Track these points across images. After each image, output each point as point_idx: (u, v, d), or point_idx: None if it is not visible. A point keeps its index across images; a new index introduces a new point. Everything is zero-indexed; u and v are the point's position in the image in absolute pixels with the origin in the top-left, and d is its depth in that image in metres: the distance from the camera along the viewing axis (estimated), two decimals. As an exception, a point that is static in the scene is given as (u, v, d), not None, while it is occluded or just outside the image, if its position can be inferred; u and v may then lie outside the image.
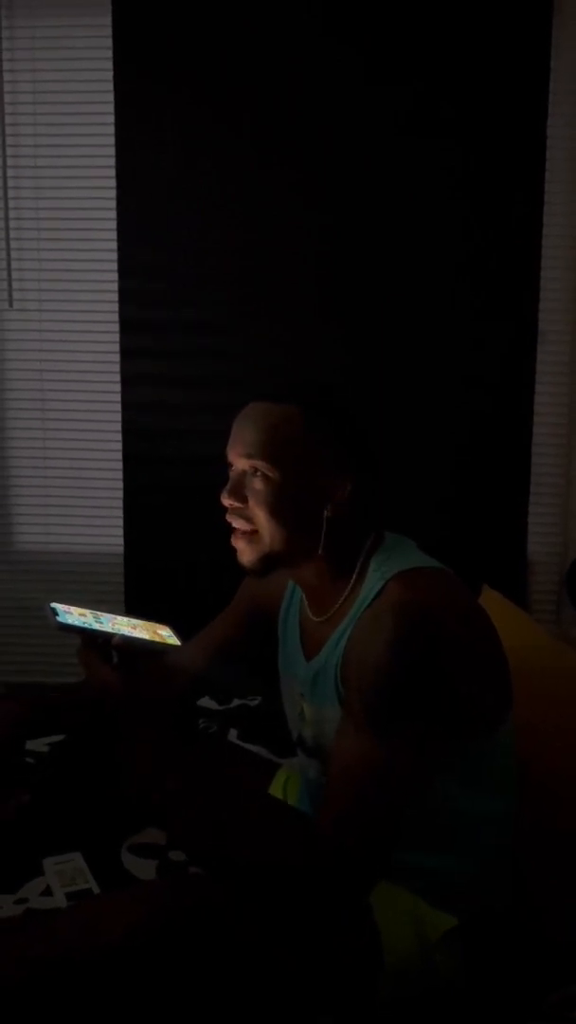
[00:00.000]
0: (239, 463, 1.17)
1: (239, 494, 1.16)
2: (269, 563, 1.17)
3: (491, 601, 1.73)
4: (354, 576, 1.17)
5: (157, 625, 1.13)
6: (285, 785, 1.42)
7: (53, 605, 1.08)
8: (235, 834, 1.09)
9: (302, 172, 2.18)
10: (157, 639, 1.11)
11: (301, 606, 1.29)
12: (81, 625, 1.08)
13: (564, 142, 2.15)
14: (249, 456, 1.15)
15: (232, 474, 1.18)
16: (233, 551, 1.20)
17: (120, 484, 2.34)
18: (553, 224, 2.18)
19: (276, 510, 1.14)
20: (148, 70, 2.18)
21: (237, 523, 1.17)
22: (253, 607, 1.40)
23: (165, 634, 1.13)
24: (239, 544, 1.18)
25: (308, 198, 2.19)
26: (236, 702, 2.00)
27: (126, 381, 2.29)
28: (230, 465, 1.19)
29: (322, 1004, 1.05)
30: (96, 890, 1.31)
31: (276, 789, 1.41)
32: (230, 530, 1.19)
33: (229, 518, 1.18)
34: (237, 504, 1.16)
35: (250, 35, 2.15)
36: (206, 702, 1.99)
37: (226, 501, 1.17)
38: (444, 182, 2.16)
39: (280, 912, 1.04)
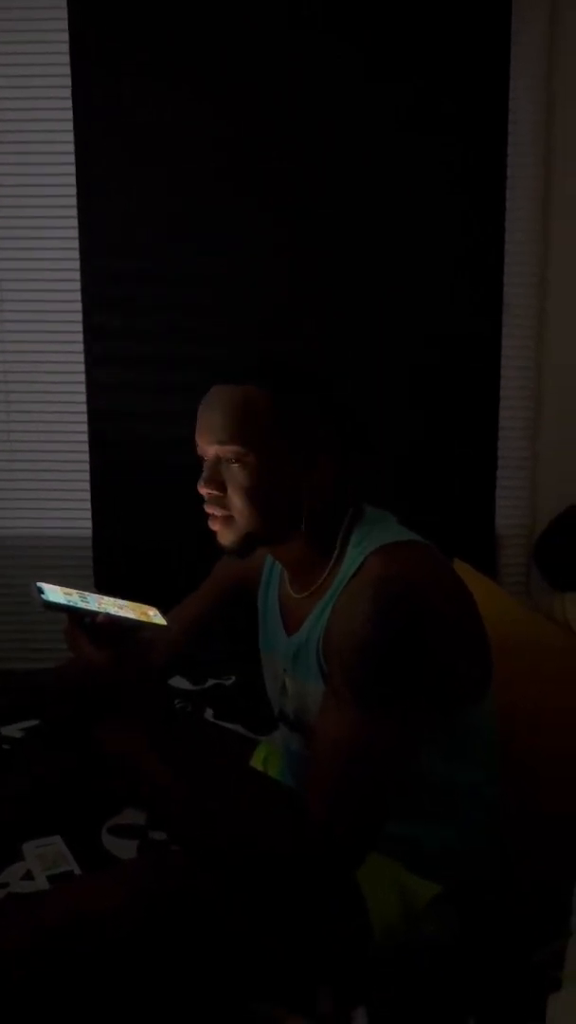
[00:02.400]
0: (211, 450, 1.15)
1: (216, 482, 1.14)
2: (249, 544, 1.17)
3: (464, 574, 1.73)
4: (335, 552, 1.17)
5: (145, 606, 1.12)
6: (265, 761, 1.43)
7: (39, 584, 1.07)
8: (225, 819, 1.09)
9: (278, 158, 2.15)
10: (144, 619, 1.10)
11: (281, 582, 1.29)
12: (67, 604, 1.07)
13: (527, 126, 2.15)
14: (221, 442, 1.13)
15: (206, 462, 1.16)
16: (204, 531, 1.19)
17: (87, 466, 2.31)
18: (516, 208, 2.18)
19: (255, 494, 1.13)
20: (106, 52, 2.13)
21: (216, 511, 1.16)
22: (232, 581, 1.40)
23: (152, 614, 1.12)
24: (216, 527, 1.17)
25: (280, 183, 2.16)
26: (211, 682, 2.00)
27: (91, 362, 2.26)
28: (200, 455, 1.17)
29: (317, 975, 1.06)
30: (78, 872, 1.30)
31: (256, 765, 1.41)
32: (206, 516, 1.18)
33: (208, 507, 1.17)
34: (216, 493, 1.14)
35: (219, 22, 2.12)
36: (180, 682, 1.98)
37: (204, 490, 1.15)
38: (418, 172, 2.15)
39: (267, 891, 1.05)
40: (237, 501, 1.14)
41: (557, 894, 1.11)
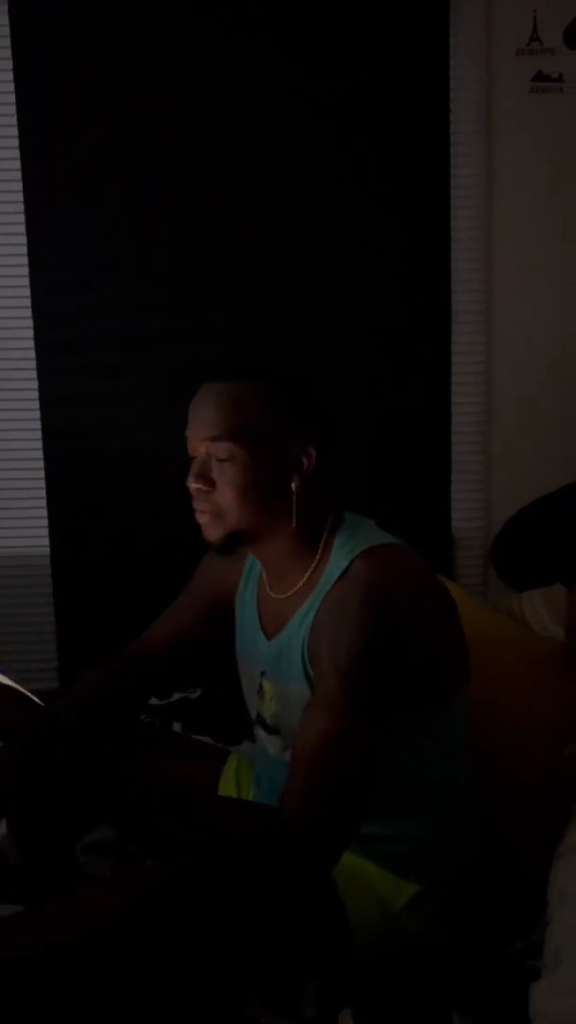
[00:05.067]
0: (202, 447, 1.16)
1: (206, 477, 1.15)
2: (236, 540, 1.17)
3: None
4: (318, 553, 1.18)
5: None
6: (237, 771, 1.42)
7: None
8: (203, 812, 1.08)
9: (219, 158, 2.17)
10: None
11: (260, 584, 1.29)
12: None
13: (468, 125, 2.20)
14: (214, 438, 1.14)
15: (196, 459, 1.17)
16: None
17: (42, 483, 2.28)
18: (460, 207, 2.23)
19: (244, 489, 1.14)
20: (49, 58, 2.13)
21: (204, 507, 1.16)
22: (211, 594, 1.39)
23: None
24: (204, 521, 1.18)
25: (227, 184, 2.18)
26: (176, 696, 1.99)
27: (43, 375, 2.24)
28: (191, 453, 1.17)
29: (300, 977, 1.06)
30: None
31: (228, 775, 1.41)
32: (192, 511, 1.18)
33: (196, 504, 1.17)
34: (205, 488, 1.15)
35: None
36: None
37: (193, 486, 1.16)
38: (355, 167, 2.19)
39: (244, 891, 1.04)
40: (226, 496, 1.14)
41: (533, 886, 1.13)
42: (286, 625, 1.20)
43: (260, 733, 1.30)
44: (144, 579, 2.11)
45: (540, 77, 2.18)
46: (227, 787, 1.38)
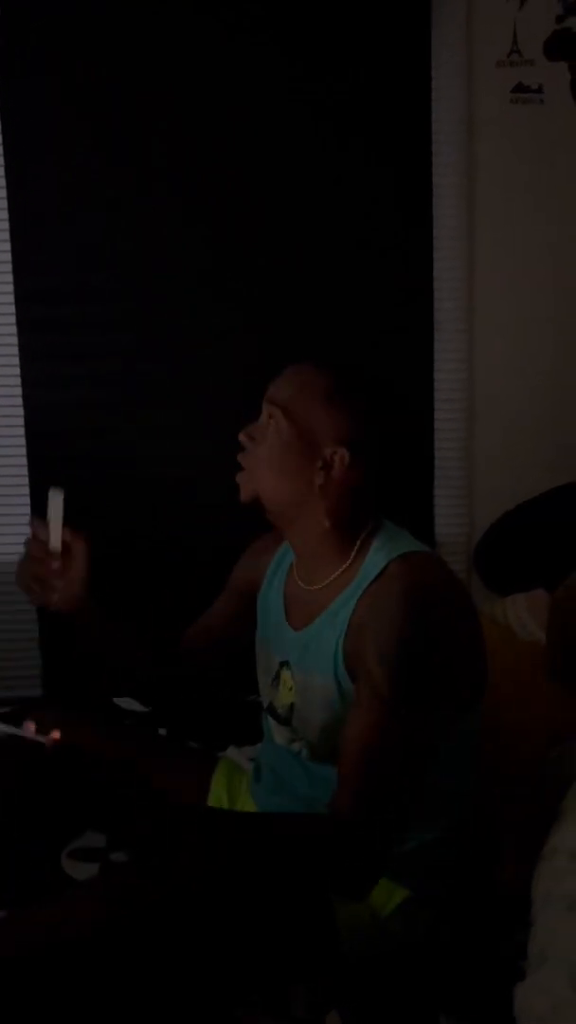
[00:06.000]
0: (264, 408, 1.24)
1: (250, 435, 1.23)
2: (259, 504, 1.23)
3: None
4: (353, 552, 1.21)
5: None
6: (228, 776, 1.42)
7: None
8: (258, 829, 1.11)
9: (207, 162, 2.18)
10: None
11: (288, 574, 1.31)
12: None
13: (451, 135, 2.22)
14: (271, 402, 1.22)
15: (261, 417, 1.24)
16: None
17: (27, 489, 2.27)
18: (443, 215, 2.24)
19: (270, 457, 1.20)
20: (35, 58, 2.12)
21: (242, 461, 1.24)
22: (239, 591, 1.42)
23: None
24: (239, 478, 1.25)
25: (215, 191, 2.19)
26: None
27: (27, 381, 2.23)
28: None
29: (289, 978, 1.06)
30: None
31: (219, 780, 1.41)
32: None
33: (239, 455, 1.25)
34: (246, 440, 1.23)
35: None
36: (130, 704, 1.97)
37: (240, 436, 1.24)
38: (340, 175, 2.20)
39: (248, 896, 1.04)
40: (256, 456, 1.22)
41: (520, 888, 1.14)
42: (317, 617, 1.22)
43: (270, 722, 1.31)
44: (128, 585, 2.10)
45: (520, 88, 2.21)
46: (218, 791, 1.39)
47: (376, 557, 1.18)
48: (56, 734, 1.22)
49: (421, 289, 2.26)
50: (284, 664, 1.26)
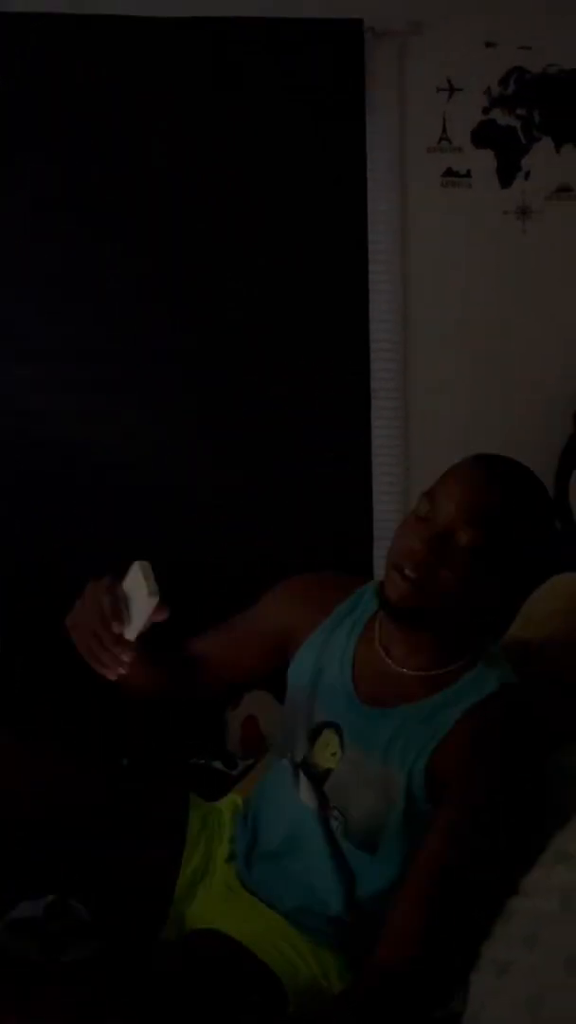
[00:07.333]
0: (455, 524, 1.04)
1: (440, 553, 1.04)
2: (419, 617, 1.08)
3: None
4: (463, 654, 1.14)
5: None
6: (205, 818, 1.35)
7: None
8: None
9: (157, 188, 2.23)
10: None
11: (366, 635, 1.20)
12: None
13: (385, 214, 2.33)
14: (485, 533, 1.03)
15: (437, 521, 1.05)
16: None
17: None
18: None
19: (466, 595, 1.06)
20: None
21: (419, 573, 1.05)
22: (280, 633, 1.28)
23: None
24: (406, 584, 1.06)
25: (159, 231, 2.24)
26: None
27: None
28: (428, 515, 1.06)
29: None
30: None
31: (194, 823, 1.32)
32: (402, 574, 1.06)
33: (408, 566, 1.05)
34: (433, 561, 1.04)
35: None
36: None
37: (420, 553, 1.04)
38: (276, 247, 2.28)
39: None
40: (450, 585, 1.04)
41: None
42: (400, 703, 1.13)
43: (298, 777, 1.19)
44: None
45: (449, 173, 2.34)
46: (194, 835, 1.30)
47: (489, 673, 1.12)
48: None
49: (357, 357, 2.32)
50: (332, 726, 1.17)
